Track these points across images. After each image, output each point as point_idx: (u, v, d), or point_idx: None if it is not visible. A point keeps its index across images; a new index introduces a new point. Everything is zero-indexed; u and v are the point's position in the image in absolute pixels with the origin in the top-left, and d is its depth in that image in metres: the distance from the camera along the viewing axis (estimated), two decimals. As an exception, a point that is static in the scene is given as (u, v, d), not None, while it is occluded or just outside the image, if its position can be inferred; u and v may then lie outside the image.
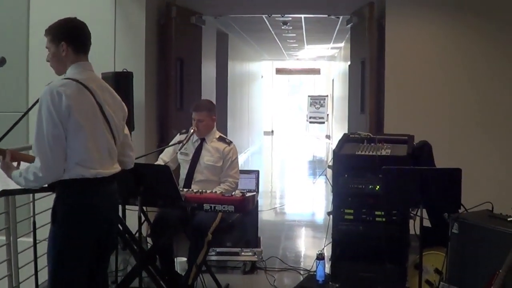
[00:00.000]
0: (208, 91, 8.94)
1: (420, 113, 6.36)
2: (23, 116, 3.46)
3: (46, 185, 3.11)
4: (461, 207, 4.09)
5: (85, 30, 3.17)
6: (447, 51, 6.41)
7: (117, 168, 3.21)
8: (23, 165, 3.14)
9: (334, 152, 4.86)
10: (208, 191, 4.32)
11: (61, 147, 2.93)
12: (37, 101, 2.97)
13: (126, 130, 3.40)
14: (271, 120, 24.78)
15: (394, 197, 4.23)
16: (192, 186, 4.71)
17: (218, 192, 4.35)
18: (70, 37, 3.09)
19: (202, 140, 4.90)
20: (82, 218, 3.02)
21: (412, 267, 4.59)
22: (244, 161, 14.13)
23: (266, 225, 7.36)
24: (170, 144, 5.00)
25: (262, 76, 21.69)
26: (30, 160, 3.14)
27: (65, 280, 3.06)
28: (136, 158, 4.89)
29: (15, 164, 3.15)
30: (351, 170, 4.74)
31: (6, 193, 3.64)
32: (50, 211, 3.06)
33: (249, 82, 17.53)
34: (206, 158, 4.83)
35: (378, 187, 4.61)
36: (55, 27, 3.11)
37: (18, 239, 4.40)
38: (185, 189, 4.47)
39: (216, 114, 5.01)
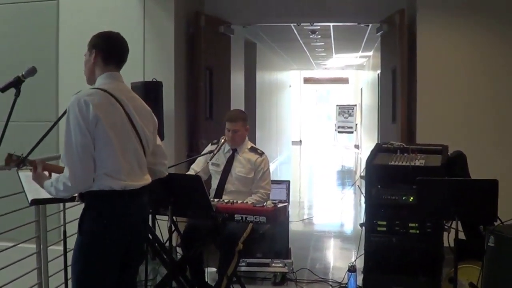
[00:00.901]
0: (237, 101, 8.93)
1: (453, 122, 6.22)
2: (52, 127, 3.47)
3: (76, 195, 3.10)
4: (497, 219, 3.97)
5: (120, 43, 3.17)
6: (480, 59, 6.26)
7: (147, 179, 3.17)
8: (54, 175, 3.14)
9: (367, 162, 4.77)
10: (239, 202, 4.28)
11: (90, 157, 2.91)
12: (65, 112, 2.97)
13: (159, 141, 3.38)
14: (299, 129, 24.71)
15: (428, 208, 4.12)
16: (223, 197, 4.66)
17: (249, 202, 4.31)
18: (101, 45, 3.10)
19: (234, 151, 4.84)
20: (109, 230, 2.98)
21: (446, 281, 4.49)
22: (272, 171, 13.95)
23: (295, 236, 7.26)
24: (202, 153, 4.97)
25: (290, 86, 21.65)
26: (61, 170, 3.13)
27: None
28: (166, 168, 4.92)
29: (46, 173, 3.16)
30: (384, 180, 4.64)
31: (37, 202, 3.66)
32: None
33: (277, 91, 17.51)
34: (237, 169, 4.77)
35: (412, 198, 4.51)
36: (94, 35, 3.14)
37: (49, 248, 4.43)
38: (216, 199, 4.44)
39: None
